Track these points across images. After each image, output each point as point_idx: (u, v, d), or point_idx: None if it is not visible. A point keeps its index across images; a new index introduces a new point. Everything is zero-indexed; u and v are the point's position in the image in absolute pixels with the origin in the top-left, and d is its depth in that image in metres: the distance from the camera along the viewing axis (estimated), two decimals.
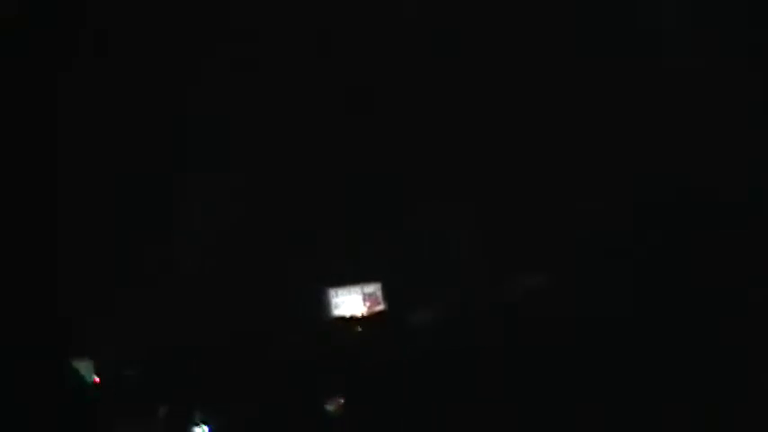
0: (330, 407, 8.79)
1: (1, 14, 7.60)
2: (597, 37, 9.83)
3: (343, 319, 11.38)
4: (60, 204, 8.09)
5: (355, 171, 10.63)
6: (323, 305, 11.37)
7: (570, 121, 10.01)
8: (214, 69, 9.42)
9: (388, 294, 11.58)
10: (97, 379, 9.18)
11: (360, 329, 10.87)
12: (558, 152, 10.09)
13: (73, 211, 8.32)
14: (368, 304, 11.62)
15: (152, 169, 9.54)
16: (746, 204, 8.76)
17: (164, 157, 9.56)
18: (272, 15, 9.34)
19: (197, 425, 9.04)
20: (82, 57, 8.30)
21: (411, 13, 9.69)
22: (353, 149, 10.49)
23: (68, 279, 8.06)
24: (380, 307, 11.66)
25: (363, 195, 10.71)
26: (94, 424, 7.10)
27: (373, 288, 11.67)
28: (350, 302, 11.63)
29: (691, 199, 9.21)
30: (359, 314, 11.51)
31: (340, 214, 10.77)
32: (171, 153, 9.61)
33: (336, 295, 11.59)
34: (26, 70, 7.81)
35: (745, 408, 7.47)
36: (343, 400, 8.84)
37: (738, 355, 7.73)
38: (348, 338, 10.56)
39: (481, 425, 8.03)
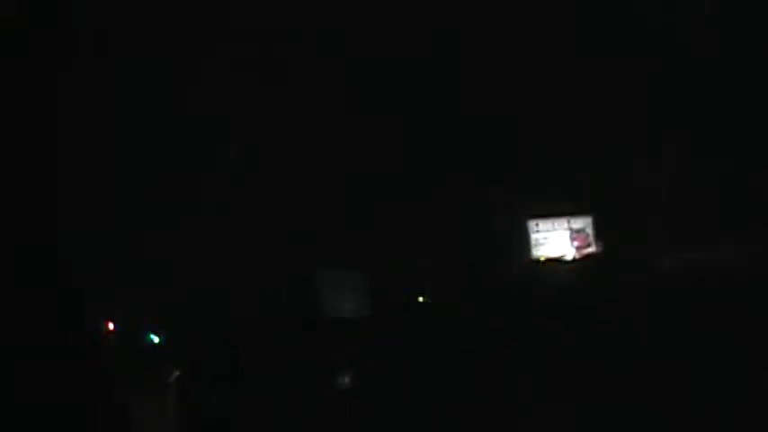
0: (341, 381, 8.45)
1: (1, 14, 7.58)
2: (597, 37, 9.80)
3: (539, 261, 8.89)
4: (61, 202, 8.08)
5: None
6: (520, 242, 8.88)
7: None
8: (214, 69, 9.42)
9: (601, 232, 9.15)
10: (111, 326, 9.04)
11: (563, 276, 8.33)
12: None
13: (73, 212, 8.32)
14: (576, 243, 9.06)
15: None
16: (748, 202, 8.74)
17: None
18: (271, 16, 9.33)
19: (206, 391, 8.99)
20: (82, 57, 8.28)
21: (411, 13, 9.68)
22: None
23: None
24: (591, 249, 9.19)
25: (572, 116, 8.92)
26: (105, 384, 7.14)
27: (582, 223, 9.01)
28: (554, 240, 9.10)
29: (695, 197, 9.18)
30: (564, 256, 8.95)
31: (545, 134, 9.03)
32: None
33: (537, 229, 9.03)
34: (26, 70, 7.79)
35: (745, 408, 7.45)
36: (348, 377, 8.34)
37: (738, 355, 7.71)
38: (548, 286, 8.06)
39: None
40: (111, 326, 9.31)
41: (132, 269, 9.47)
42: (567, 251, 8.85)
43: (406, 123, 9.80)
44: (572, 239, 8.99)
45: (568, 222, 8.93)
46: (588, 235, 8.98)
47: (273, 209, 10.12)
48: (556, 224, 8.87)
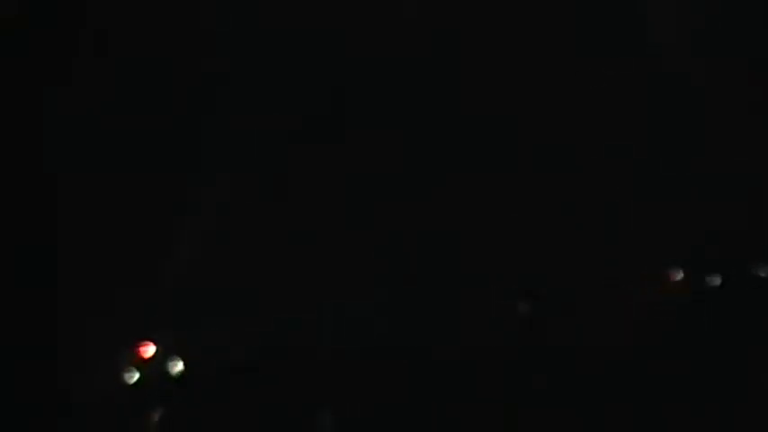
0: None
1: (1, 14, 7.65)
2: (599, 37, 9.83)
3: None
4: (60, 205, 8.13)
5: None
6: None
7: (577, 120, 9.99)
8: (215, 69, 9.44)
9: None
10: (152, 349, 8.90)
11: None
12: None
13: (73, 212, 8.36)
14: None
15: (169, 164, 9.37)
16: (748, 198, 8.76)
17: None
18: (271, 15, 9.36)
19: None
20: (82, 57, 8.33)
21: (411, 13, 9.70)
22: None
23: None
24: None
25: None
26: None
27: None
28: None
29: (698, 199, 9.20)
30: None
31: None
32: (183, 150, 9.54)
33: None
34: (26, 70, 7.86)
35: (746, 408, 7.49)
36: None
37: (738, 355, 7.75)
38: None
39: None
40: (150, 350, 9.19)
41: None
42: None
43: None
44: None
45: None
46: None
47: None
48: None
